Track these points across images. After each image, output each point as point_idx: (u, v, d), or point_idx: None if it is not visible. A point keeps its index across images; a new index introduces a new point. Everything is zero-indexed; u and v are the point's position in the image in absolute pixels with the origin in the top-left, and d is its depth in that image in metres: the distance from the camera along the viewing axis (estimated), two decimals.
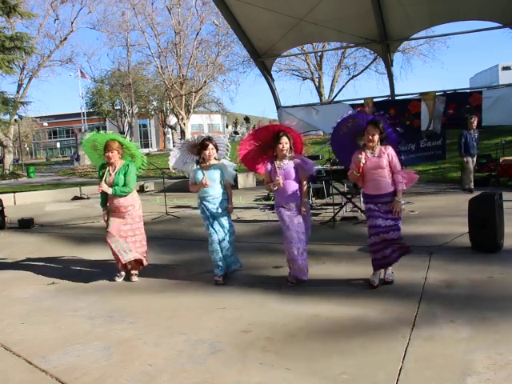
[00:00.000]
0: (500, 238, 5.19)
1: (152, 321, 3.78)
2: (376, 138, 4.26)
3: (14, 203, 13.25)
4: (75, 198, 14.44)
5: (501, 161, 11.43)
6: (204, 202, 4.74)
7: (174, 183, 14.64)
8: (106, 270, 5.27)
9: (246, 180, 15.25)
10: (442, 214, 7.73)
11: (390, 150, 4.30)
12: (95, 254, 6.22)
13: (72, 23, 31.61)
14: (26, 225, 8.92)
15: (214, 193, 4.71)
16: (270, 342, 3.24)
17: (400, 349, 2.99)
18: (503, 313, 3.47)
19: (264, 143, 4.60)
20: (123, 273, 5.02)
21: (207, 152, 4.68)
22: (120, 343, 3.38)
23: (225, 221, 4.72)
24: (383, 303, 3.82)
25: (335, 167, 8.46)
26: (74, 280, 5.07)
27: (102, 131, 4.96)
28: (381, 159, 4.27)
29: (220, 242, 4.69)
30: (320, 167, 8.85)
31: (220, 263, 4.71)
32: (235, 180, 14.30)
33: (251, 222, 8.07)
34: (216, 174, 4.71)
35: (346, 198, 8.29)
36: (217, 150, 4.81)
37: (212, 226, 4.70)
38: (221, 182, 4.76)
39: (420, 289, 4.11)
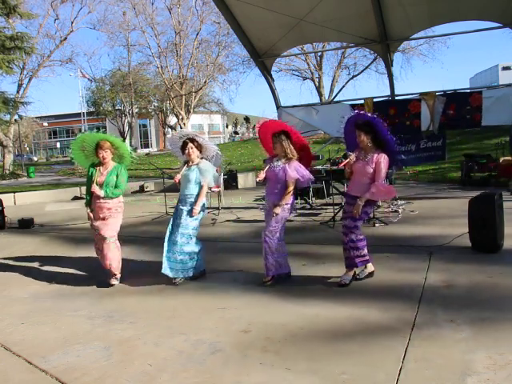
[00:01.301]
0: (500, 238, 5.19)
1: (152, 321, 3.78)
2: (361, 138, 4.24)
3: (14, 203, 13.24)
4: (75, 198, 14.41)
5: (501, 161, 11.43)
6: (178, 201, 4.78)
7: (174, 183, 14.62)
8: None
9: (245, 180, 15.22)
10: (442, 214, 7.73)
11: (382, 159, 4.19)
12: (95, 253, 6.21)
13: (72, 23, 31.73)
14: (25, 225, 8.91)
15: (189, 193, 4.72)
16: (270, 342, 3.24)
17: (400, 349, 3.00)
18: (503, 313, 3.48)
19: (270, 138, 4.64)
20: (117, 276, 4.93)
21: (186, 151, 4.70)
22: (120, 343, 3.38)
23: (185, 222, 4.64)
24: (383, 303, 3.82)
25: (335, 167, 8.45)
26: (73, 280, 5.07)
27: (101, 130, 4.93)
28: (367, 166, 4.24)
29: (170, 241, 4.63)
30: (320, 167, 8.86)
31: (164, 260, 4.61)
32: (235, 180, 14.28)
33: (251, 222, 8.07)
34: (192, 174, 4.68)
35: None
36: (200, 150, 4.77)
37: (172, 224, 4.72)
38: (199, 184, 4.70)
39: (420, 289, 4.11)
